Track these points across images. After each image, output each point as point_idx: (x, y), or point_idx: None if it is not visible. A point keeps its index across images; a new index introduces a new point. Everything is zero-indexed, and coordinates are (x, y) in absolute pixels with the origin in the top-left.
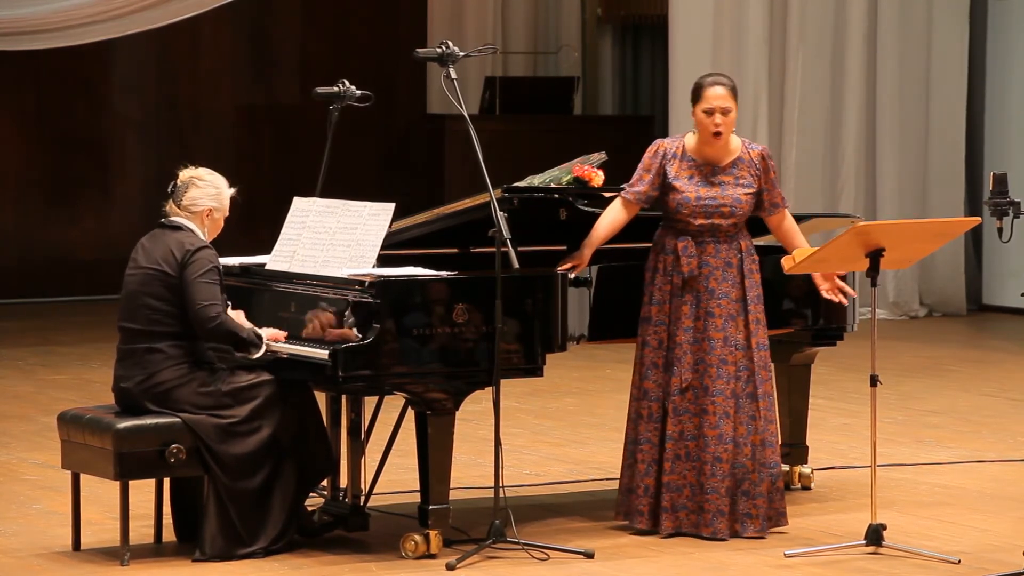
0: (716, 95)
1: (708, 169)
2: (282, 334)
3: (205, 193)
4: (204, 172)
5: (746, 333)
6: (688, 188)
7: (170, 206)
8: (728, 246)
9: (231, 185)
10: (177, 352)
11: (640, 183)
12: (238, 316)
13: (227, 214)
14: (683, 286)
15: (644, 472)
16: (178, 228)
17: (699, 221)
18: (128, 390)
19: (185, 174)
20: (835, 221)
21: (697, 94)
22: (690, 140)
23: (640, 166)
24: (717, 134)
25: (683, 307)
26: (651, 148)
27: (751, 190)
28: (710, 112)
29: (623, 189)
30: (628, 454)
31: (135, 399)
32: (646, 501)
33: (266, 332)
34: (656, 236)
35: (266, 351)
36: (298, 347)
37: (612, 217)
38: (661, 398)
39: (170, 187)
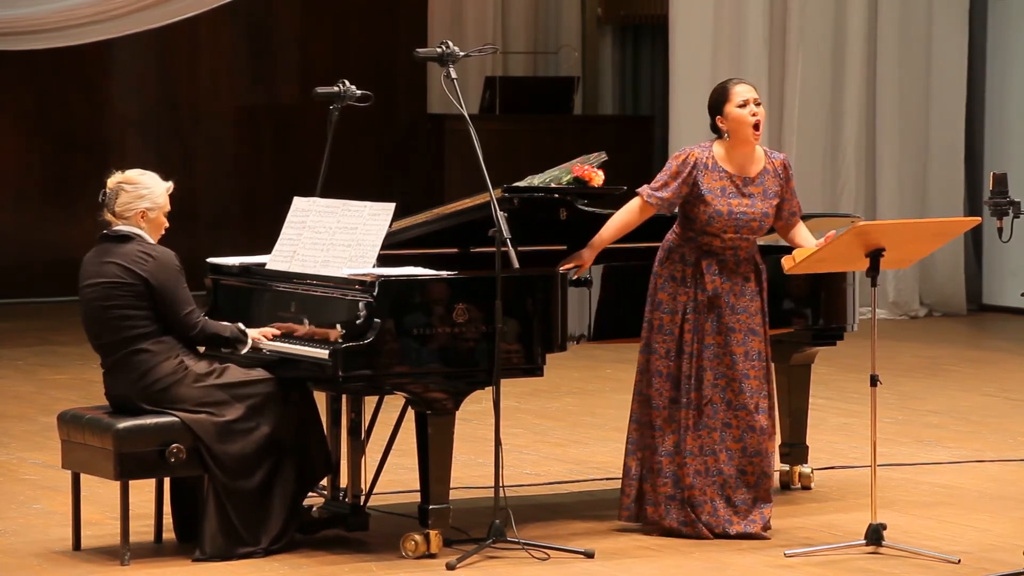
0: (745, 89)
1: (739, 180)
2: (271, 331)
3: (135, 196)
4: (133, 174)
5: (762, 346)
6: (720, 201)
7: (107, 215)
8: (746, 262)
9: (165, 178)
10: (162, 348)
11: (665, 189)
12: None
13: (167, 209)
14: (708, 304)
15: (642, 477)
16: (126, 238)
17: (729, 235)
18: (123, 396)
19: (112, 181)
20: (835, 221)
21: (724, 95)
22: (718, 150)
23: (666, 172)
24: (756, 125)
25: (706, 324)
26: (680, 155)
27: (776, 201)
28: (744, 104)
29: (639, 193)
30: (629, 456)
31: (131, 401)
32: (646, 506)
33: (252, 332)
34: (671, 243)
35: (251, 347)
36: (298, 347)
37: (626, 219)
38: (662, 407)
39: (100, 197)
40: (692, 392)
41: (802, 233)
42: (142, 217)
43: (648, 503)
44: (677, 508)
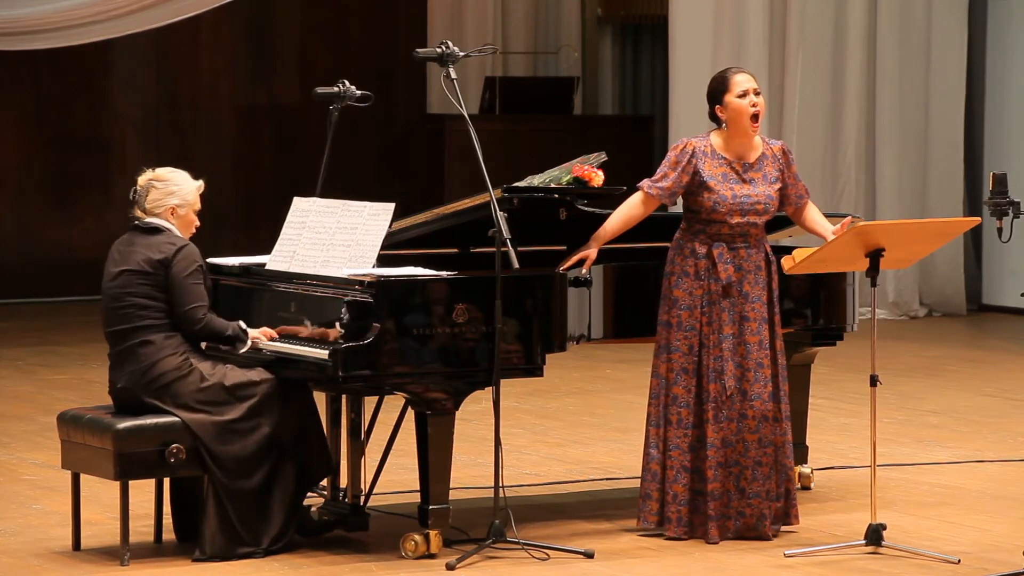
0: (745, 79)
1: (739, 166)
2: (272, 333)
3: (165, 192)
4: (163, 172)
5: (773, 336)
6: (722, 187)
7: (137, 212)
8: (757, 251)
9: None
10: (171, 343)
11: (665, 180)
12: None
13: (197, 207)
14: (723, 293)
15: (673, 479)
16: (155, 230)
17: (735, 219)
18: (126, 389)
19: (143, 178)
20: (835, 221)
21: (723, 85)
22: (715, 139)
23: (665, 163)
24: (755, 116)
25: (722, 314)
26: (678, 145)
27: (778, 185)
28: (744, 94)
29: (640, 186)
30: (652, 460)
31: (133, 395)
32: (675, 508)
33: (252, 331)
34: (679, 239)
35: (251, 347)
36: (298, 347)
37: (628, 212)
38: (691, 403)
39: (131, 193)
40: (711, 384)
41: (814, 215)
42: (172, 213)
43: (681, 503)
44: (702, 503)
